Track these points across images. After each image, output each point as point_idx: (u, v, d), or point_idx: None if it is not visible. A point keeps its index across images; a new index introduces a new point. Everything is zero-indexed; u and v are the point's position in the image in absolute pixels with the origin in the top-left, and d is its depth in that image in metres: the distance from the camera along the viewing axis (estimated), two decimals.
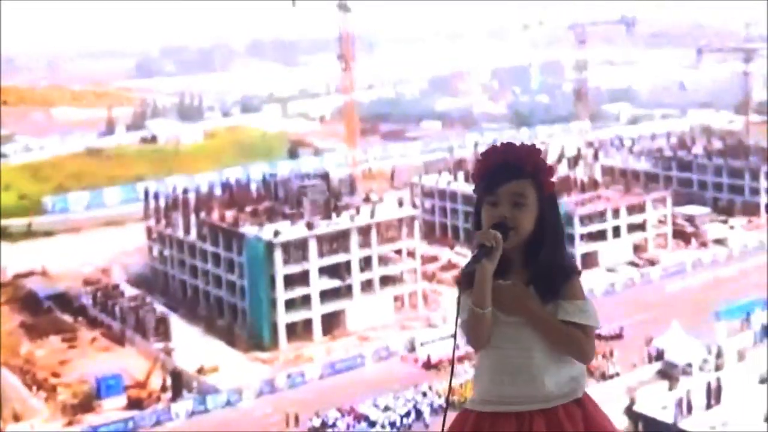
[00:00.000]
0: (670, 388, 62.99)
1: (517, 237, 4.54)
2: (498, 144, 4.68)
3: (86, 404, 73.87)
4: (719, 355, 70.60)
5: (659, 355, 73.84)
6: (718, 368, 66.00)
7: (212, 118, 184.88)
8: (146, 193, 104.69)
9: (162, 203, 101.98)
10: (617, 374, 73.16)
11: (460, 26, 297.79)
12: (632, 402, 61.11)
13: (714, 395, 59.64)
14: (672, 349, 73.23)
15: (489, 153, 4.66)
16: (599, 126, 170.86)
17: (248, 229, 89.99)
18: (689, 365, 68.92)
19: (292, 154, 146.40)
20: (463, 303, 4.50)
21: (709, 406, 59.01)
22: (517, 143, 4.68)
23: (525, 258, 4.61)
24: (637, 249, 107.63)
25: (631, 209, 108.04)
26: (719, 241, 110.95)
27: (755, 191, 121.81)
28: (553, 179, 4.66)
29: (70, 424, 71.04)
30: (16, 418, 72.65)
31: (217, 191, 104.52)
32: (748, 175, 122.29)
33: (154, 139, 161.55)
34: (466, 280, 4.52)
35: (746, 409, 57.65)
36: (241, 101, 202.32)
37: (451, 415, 4.66)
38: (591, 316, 4.55)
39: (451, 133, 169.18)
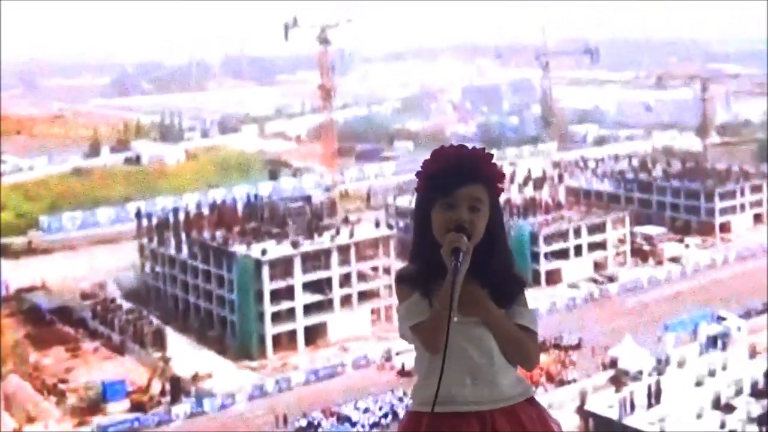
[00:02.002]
0: (617, 390, 72.73)
1: (472, 242, 4.48)
2: (450, 146, 4.64)
3: (93, 407, 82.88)
4: (668, 363, 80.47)
5: (613, 363, 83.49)
6: (660, 373, 75.74)
7: (192, 139, 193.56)
8: (139, 214, 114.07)
9: (154, 223, 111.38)
10: (574, 380, 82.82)
11: (433, 45, 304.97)
12: (583, 402, 70.94)
13: (654, 396, 69.36)
14: (624, 358, 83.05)
15: (442, 154, 4.59)
16: (567, 147, 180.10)
17: (237, 248, 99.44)
18: (639, 372, 78.52)
19: (273, 175, 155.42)
20: (414, 306, 4.53)
21: (650, 405, 68.68)
22: (469, 146, 4.65)
23: (473, 264, 4.46)
24: (598, 266, 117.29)
25: (592, 229, 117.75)
26: (674, 259, 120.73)
27: (710, 212, 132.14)
28: (502, 185, 4.67)
29: (80, 424, 79.95)
30: (30, 419, 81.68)
31: (205, 211, 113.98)
32: (704, 196, 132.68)
33: (138, 159, 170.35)
34: (409, 282, 4.59)
35: (682, 408, 67.41)
36: (219, 121, 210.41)
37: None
38: (538, 325, 4.67)
39: (423, 154, 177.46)
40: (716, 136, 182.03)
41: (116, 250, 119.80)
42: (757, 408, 67.47)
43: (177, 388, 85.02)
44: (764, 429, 63.31)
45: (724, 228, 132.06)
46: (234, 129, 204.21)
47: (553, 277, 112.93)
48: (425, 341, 4.47)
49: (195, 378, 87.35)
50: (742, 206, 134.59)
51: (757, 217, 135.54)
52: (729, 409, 67.46)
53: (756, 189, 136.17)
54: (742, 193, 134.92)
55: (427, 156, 4.66)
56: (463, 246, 4.37)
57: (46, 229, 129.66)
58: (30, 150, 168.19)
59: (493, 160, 4.62)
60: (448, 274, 4.32)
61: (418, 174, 4.65)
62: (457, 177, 4.51)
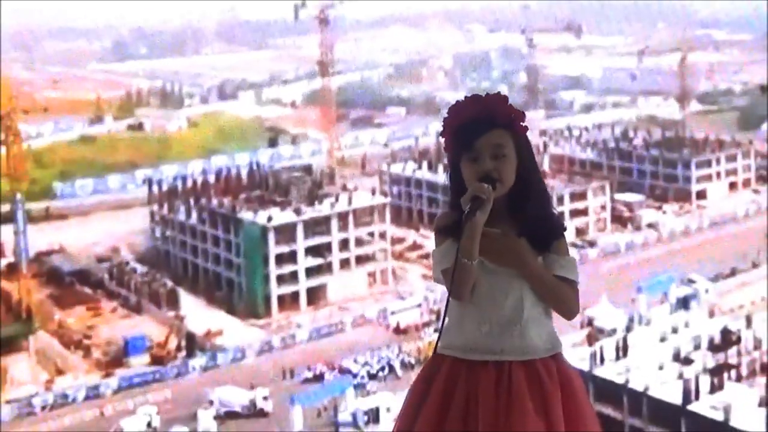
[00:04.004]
0: (589, 345, 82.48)
1: (503, 188, 4.62)
2: (464, 98, 4.74)
3: (116, 361, 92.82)
4: (641, 322, 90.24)
5: (590, 322, 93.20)
6: (629, 330, 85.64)
7: (192, 105, 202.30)
8: (150, 181, 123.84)
9: (164, 189, 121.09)
10: None
11: (422, 10, 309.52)
12: None
13: (622, 350, 79.10)
14: (600, 317, 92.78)
15: (457, 108, 4.70)
16: (554, 114, 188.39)
17: (244, 215, 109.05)
18: (613, 330, 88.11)
19: (272, 143, 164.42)
20: (445, 251, 4.61)
21: (617, 358, 78.32)
22: (482, 94, 4.73)
23: (509, 208, 4.69)
24: (580, 232, 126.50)
25: (575, 197, 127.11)
26: (652, 225, 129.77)
27: (687, 180, 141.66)
28: (525, 124, 4.74)
29: (106, 376, 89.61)
30: (60, 372, 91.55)
31: (211, 178, 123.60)
32: (681, 165, 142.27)
33: (141, 126, 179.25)
34: (445, 229, 4.67)
35: (646, 360, 77.17)
36: (218, 87, 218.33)
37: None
38: (577, 273, 4.78)
39: (415, 120, 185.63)
40: (698, 104, 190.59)
41: (127, 215, 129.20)
42: (711, 361, 77.29)
43: (192, 344, 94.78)
44: (715, 379, 72.98)
45: (701, 195, 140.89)
46: (232, 95, 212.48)
47: None
48: (448, 287, 4.55)
49: (207, 334, 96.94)
50: (718, 174, 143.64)
51: (732, 185, 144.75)
52: (687, 361, 76.89)
53: (731, 158, 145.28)
54: (718, 162, 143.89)
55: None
56: (484, 194, 4.48)
57: (59, 196, 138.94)
58: (33, 116, 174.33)
59: (509, 103, 4.70)
60: (464, 220, 4.46)
61: (441, 133, 4.79)
62: (474, 127, 4.65)
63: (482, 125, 4.64)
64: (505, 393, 4.56)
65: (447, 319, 4.77)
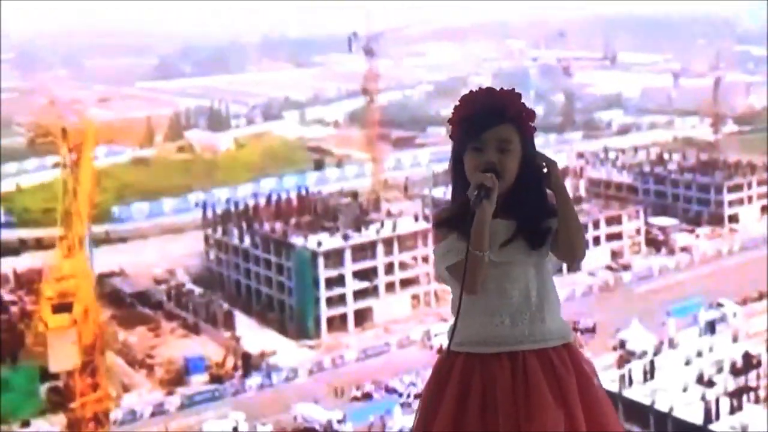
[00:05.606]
0: (619, 367, 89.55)
1: (504, 183, 4.69)
2: (478, 89, 4.81)
3: (178, 379, 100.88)
4: (670, 345, 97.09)
5: (622, 345, 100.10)
6: (656, 353, 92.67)
7: (239, 126, 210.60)
8: (204, 206, 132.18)
9: (218, 213, 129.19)
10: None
11: (462, 25, 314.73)
12: None
13: (649, 373, 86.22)
14: (632, 340, 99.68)
15: (469, 98, 4.79)
16: (591, 135, 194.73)
17: (295, 240, 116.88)
18: (644, 353, 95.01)
19: (318, 165, 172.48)
20: (448, 246, 4.70)
21: (645, 380, 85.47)
22: (497, 88, 4.81)
23: (508, 204, 4.73)
24: (615, 255, 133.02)
25: (610, 221, 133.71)
26: (685, 249, 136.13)
27: (720, 204, 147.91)
28: (533, 124, 4.83)
29: (168, 393, 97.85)
30: (126, 389, 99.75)
31: (261, 201, 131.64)
32: (714, 189, 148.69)
33: (190, 148, 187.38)
34: (445, 223, 4.81)
35: (671, 383, 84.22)
36: (263, 107, 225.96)
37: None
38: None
39: None
40: (734, 125, 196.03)
41: (182, 238, 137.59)
42: (732, 384, 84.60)
43: (248, 363, 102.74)
44: (735, 401, 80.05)
45: (733, 219, 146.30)
46: (277, 116, 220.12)
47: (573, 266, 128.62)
48: (461, 283, 4.63)
49: (262, 355, 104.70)
50: (750, 198, 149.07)
51: (764, 209, 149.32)
52: (710, 384, 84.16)
53: (762, 182, 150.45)
54: (750, 186, 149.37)
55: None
56: (488, 182, 4.55)
57: (117, 219, 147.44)
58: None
59: (522, 100, 4.79)
60: (471, 209, 4.54)
61: (449, 120, 4.88)
62: (484, 119, 4.72)
63: (492, 118, 4.73)
64: (521, 383, 4.71)
65: (454, 316, 4.90)
